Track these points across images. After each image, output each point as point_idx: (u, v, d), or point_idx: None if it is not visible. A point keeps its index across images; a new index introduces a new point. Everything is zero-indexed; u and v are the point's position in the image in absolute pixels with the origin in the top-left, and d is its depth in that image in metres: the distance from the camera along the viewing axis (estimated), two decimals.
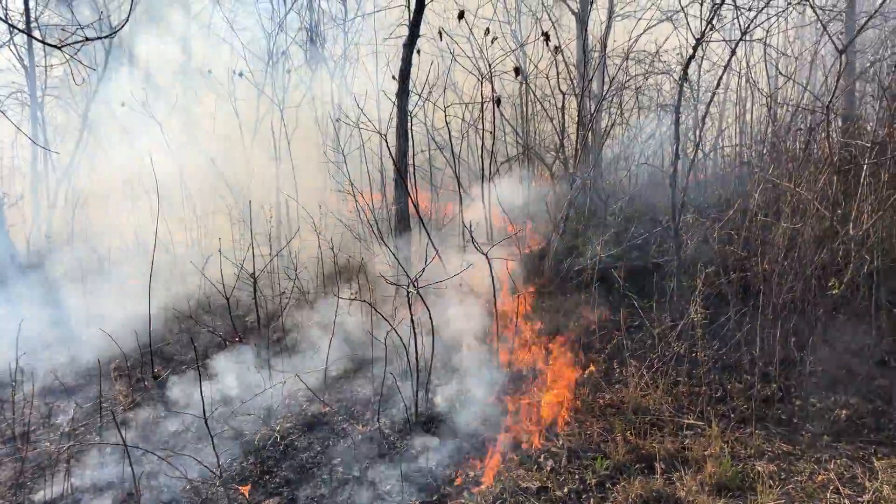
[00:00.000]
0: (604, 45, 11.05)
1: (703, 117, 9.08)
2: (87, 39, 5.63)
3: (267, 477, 6.90)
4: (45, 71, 16.46)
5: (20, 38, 15.86)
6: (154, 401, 8.33)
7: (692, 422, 7.26)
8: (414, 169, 11.61)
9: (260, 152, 13.88)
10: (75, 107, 16.81)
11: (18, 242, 14.51)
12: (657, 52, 11.62)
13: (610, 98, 10.66)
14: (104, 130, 15.95)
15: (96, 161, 15.59)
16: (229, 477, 6.82)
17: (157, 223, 9.29)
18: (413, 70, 11.11)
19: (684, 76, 8.89)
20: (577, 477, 6.47)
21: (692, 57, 8.88)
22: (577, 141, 10.05)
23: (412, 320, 7.45)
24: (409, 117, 11.00)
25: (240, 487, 6.63)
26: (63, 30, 14.00)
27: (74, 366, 9.11)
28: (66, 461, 6.91)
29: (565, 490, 6.29)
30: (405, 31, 10.75)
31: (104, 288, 11.14)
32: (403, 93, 10.79)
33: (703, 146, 10.28)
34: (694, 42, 8.73)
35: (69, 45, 5.74)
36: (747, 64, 10.68)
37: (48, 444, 7.49)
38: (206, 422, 6.27)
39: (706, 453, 6.61)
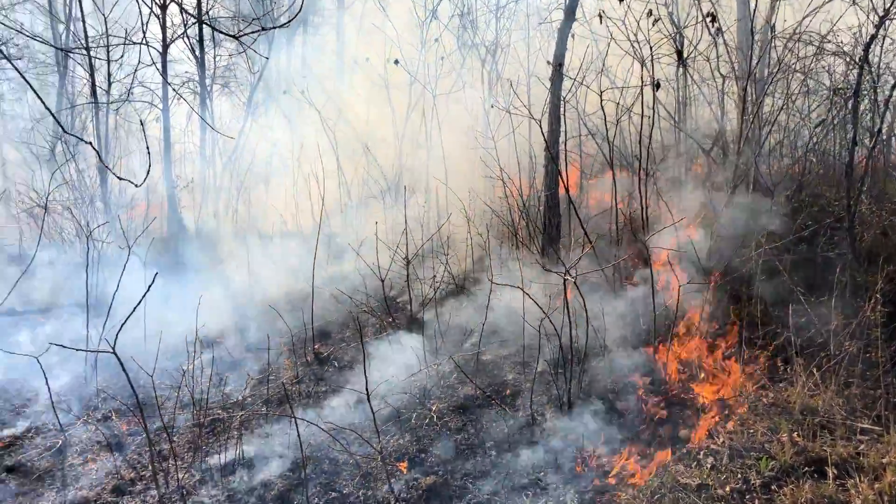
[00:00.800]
0: (770, 26, 10.46)
1: (887, 101, 8.42)
2: (264, 29, 5.91)
3: (423, 455, 7.08)
4: (214, 61, 17.49)
5: (192, 31, 16.93)
6: (316, 376, 8.73)
7: (868, 426, 6.80)
8: (566, 155, 11.50)
9: (412, 138, 14.19)
10: (240, 95, 17.79)
11: (189, 222, 15.55)
12: (830, 31, 10.88)
13: (775, 81, 10.09)
14: (266, 118, 16.81)
15: (259, 146, 16.45)
16: (387, 453, 7.04)
17: (322, 205, 9.68)
18: (567, 55, 10.99)
19: (865, 58, 8.27)
20: (739, 476, 6.23)
21: (874, 36, 8.24)
22: (739, 126, 9.59)
23: (567, 308, 7.40)
24: (562, 102, 10.89)
25: (398, 464, 6.84)
26: (233, 20, 14.84)
27: (243, 339, 9.69)
28: (238, 429, 7.37)
29: (727, 489, 6.07)
30: (559, 16, 10.63)
31: (268, 266, 11.77)
32: (557, 77, 10.69)
33: (882, 133, 9.54)
34: (877, 20, 8.11)
35: (246, 34, 6.07)
36: None
37: (221, 411, 8.01)
38: (368, 398, 6.49)
39: (885, 461, 6.18)
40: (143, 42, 8.14)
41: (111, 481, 6.99)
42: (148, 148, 5.60)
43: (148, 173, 5.27)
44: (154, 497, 6.67)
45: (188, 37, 17.21)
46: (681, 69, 12.46)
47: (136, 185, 5.08)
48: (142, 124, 5.33)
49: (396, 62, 13.19)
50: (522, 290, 7.88)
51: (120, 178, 4.99)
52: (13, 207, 14.03)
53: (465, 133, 14.27)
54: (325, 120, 13.63)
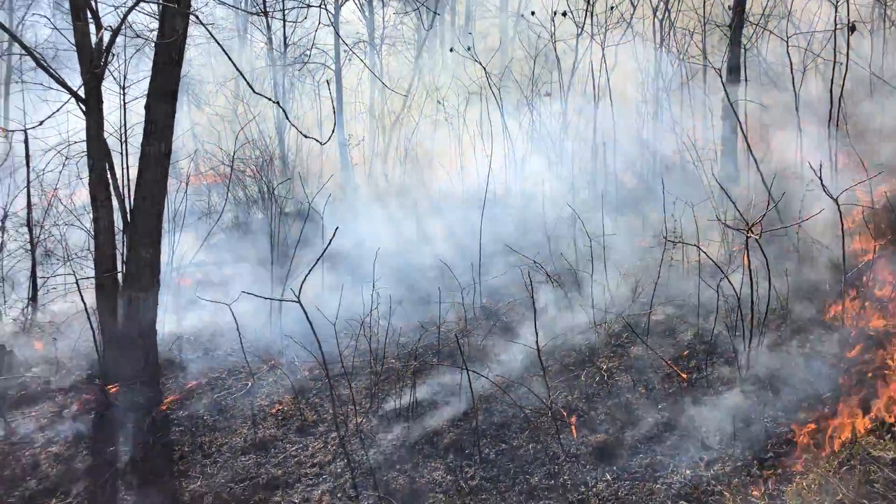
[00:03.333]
0: None
1: None
2: None
3: (592, 413, 7.04)
4: (383, 21, 17.89)
5: None
6: (484, 330, 8.86)
7: None
8: (745, 106, 10.83)
9: (578, 91, 13.87)
10: (407, 54, 18.12)
11: (360, 179, 16.17)
12: None
13: None
14: (432, 75, 17.03)
15: (425, 105, 16.71)
16: (557, 409, 7.05)
17: (490, 163, 9.69)
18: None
19: None
20: None
21: None
22: None
23: (749, 267, 7.01)
24: (741, 49, 10.24)
25: (569, 420, 6.84)
26: None
27: (414, 293, 9.96)
28: (412, 378, 7.63)
29: None
30: None
31: (436, 222, 12.01)
32: (738, 24, 10.05)
33: None
34: None
35: None
36: None
37: (394, 361, 8.32)
38: (538, 353, 6.51)
39: None
40: (321, 5, 8.47)
41: (296, 422, 7.47)
42: (333, 105, 5.84)
43: (333, 131, 5.49)
44: (335, 439, 7.07)
45: None
46: (877, 9, 11.33)
47: (322, 143, 5.31)
48: (327, 84, 5.54)
49: (564, 14, 12.86)
50: (699, 247, 7.56)
51: (305, 136, 5.23)
52: (202, 166, 15.09)
53: (636, 86, 13.78)
54: (490, 76, 13.56)
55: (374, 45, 17.02)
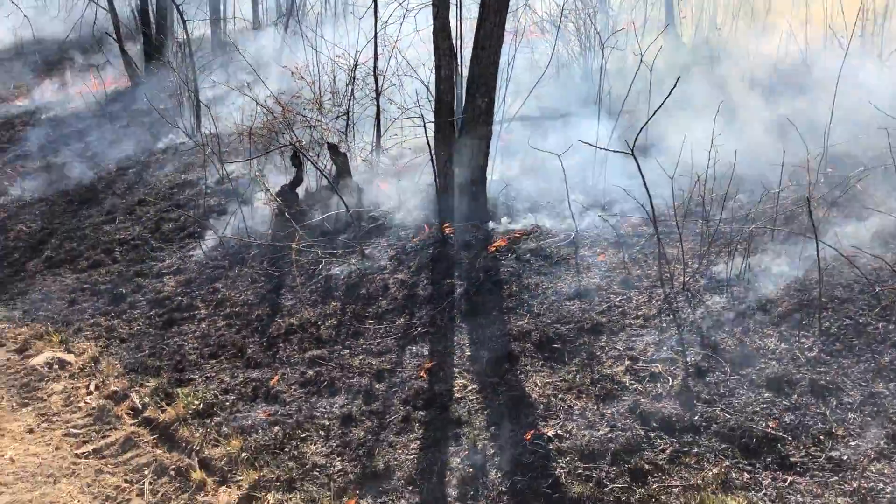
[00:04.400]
0: None
1: None
2: None
3: None
4: None
5: None
6: (828, 199, 8.05)
7: None
8: None
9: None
10: None
11: (685, 33, 15.06)
12: None
13: None
14: None
15: None
16: None
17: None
18: None
19: None
20: None
21: None
22: None
23: None
24: None
25: None
26: None
27: (753, 153, 9.21)
28: (747, 241, 7.23)
29: None
30: None
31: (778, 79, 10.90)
32: None
33: None
34: None
35: None
36: None
37: (725, 226, 7.91)
38: None
39: None
40: None
41: (619, 275, 7.53)
42: None
43: None
44: (660, 294, 7.02)
45: None
46: None
47: None
48: None
49: None
50: None
51: None
52: (530, 19, 15.05)
53: None
54: None
55: None
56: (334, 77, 11.60)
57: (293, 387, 6.87)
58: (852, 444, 4.95)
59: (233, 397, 6.92)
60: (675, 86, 6.50)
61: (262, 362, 7.40)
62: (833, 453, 4.90)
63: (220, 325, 8.22)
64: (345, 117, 11.18)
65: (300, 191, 10.46)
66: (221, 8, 22.57)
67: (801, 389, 5.51)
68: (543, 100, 12.57)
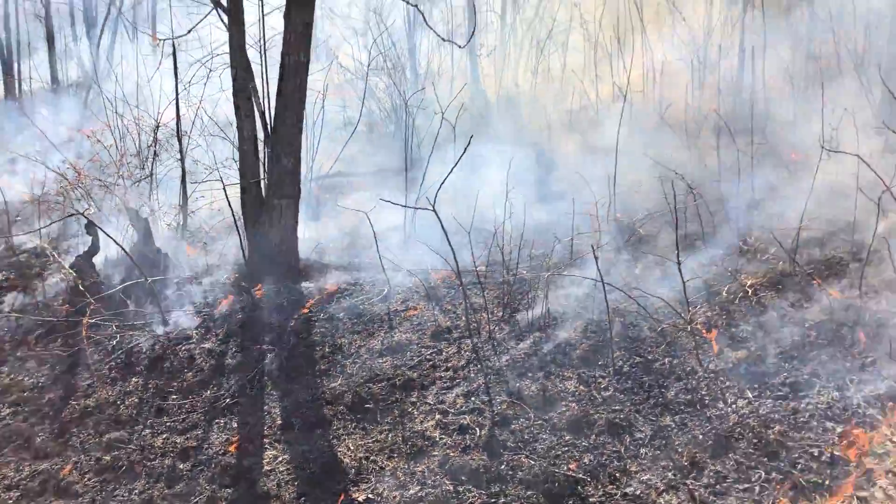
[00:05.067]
0: None
1: None
2: None
3: (733, 329, 6.79)
4: None
5: None
6: (620, 244, 8.65)
7: None
8: None
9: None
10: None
11: (492, 89, 15.89)
12: None
13: None
14: None
15: (558, 13, 16.05)
16: (696, 324, 6.84)
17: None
18: None
19: None
20: None
21: None
22: None
23: None
24: None
25: (708, 335, 6.63)
26: None
27: (551, 204, 9.79)
28: (545, 289, 7.58)
29: None
30: None
31: (569, 133, 11.69)
32: None
33: None
34: None
35: None
36: None
37: (526, 272, 8.27)
38: (678, 267, 6.30)
39: None
40: None
41: (430, 328, 7.63)
42: (474, 8, 5.66)
43: (472, 34, 5.34)
44: (468, 345, 7.17)
45: None
46: None
47: (461, 47, 5.19)
48: None
49: None
50: (859, 156, 6.97)
51: (444, 39, 5.12)
52: (335, 77, 15.26)
53: None
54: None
55: None
56: (139, 138, 11.12)
57: (87, 476, 6.33)
58: (644, 478, 5.24)
59: (17, 494, 6.26)
60: (469, 144, 6.78)
61: (53, 451, 6.77)
62: (627, 489, 5.16)
63: (4, 414, 7.48)
64: (147, 180, 10.70)
65: (98, 260, 9.81)
66: (16, 67, 21.14)
67: (599, 429, 5.79)
68: (357, 156, 12.71)
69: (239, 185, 9.04)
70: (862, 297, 6.79)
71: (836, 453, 5.12)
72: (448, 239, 6.83)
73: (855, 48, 10.20)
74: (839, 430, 5.36)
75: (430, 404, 6.45)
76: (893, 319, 6.35)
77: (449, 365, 6.94)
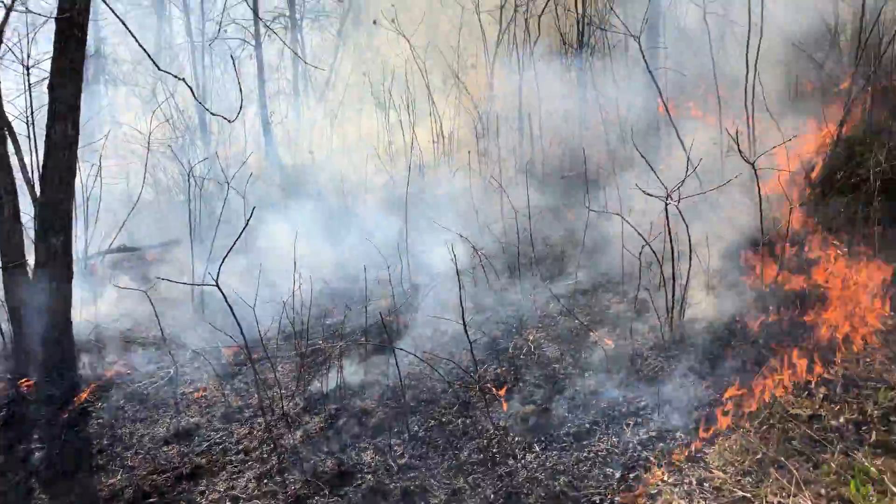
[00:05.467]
0: None
1: None
2: None
3: (521, 385, 7.04)
4: None
5: None
6: (413, 306, 8.78)
7: None
8: (665, 73, 10.91)
9: (504, 65, 13.78)
10: (330, 28, 17.72)
11: (285, 157, 15.80)
12: None
13: None
14: (356, 49, 16.69)
15: (351, 78, 16.39)
16: (485, 382, 7.04)
17: (411, 133, 9.56)
18: None
19: None
20: (855, 407, 5.90)
21: None
22: (859, 33, 8.81)
23: (669, 234, 7.09)
24: (661, 17, 10.30)
25: (497, 393, 6.83)
26: None
27: (343, 272, 9.80)
28: (339, 359, 7.50)
29: (841, 420, 5.78)
30: None
31: (363, 198, 11.83)
32: None
33: None
34: None
35: None
36: None
37: (321, 342, 8.18)
38: (465, 328, 6.47)
39: None
40: None
41: (220, 409, 7.28)
42: (240, 84, 5.62)
43: (241, 108, 5.27)
44: (261, 424, 6.90)
45: None
46: None
47: (230, 121, 5.09)
48: (232, 59, 5.31)
49: None
50: (621, 216, 7.60)
51: (213, 114, 5.02)
52: (119, 148, 14.55)
53: (558, 55, 13.74)
54: (415, 49, 13.37)
55: (294, 19, 16.57)
56: None
57: None
58: None
59: None
60: (251, 216, 6.63)
61: None
62: None
63: None
64: None
65: None
66: None
67: (394, 499, 5.73)
68: (140, 229, 12.07)
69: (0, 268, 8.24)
70: (633, 343, 7.33)
71: (616, 499, 5.40)
72: (234, 314, 6.58)
73: (617, 117, 11.19)
74: (618, 474, 5.68)
75: (220, 492, 6.09)
76: (655, 361, 6.90)
77: (240, 447, 6.63)
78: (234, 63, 5.36)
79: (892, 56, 9.35)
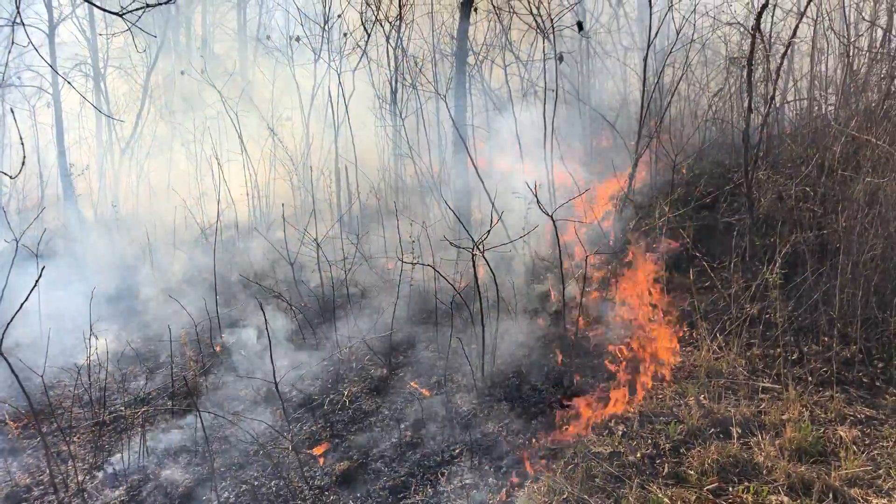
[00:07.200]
0: None
1: (778, 69, 8.66)
2: (148, 6, 5.59)
3: (337, 440, 6.95)
4: (107, 42, 16.67)
5: (82, 10, 16.06)
6: (223, 366, 8.46)
7: (768, 385, 7.03)
8: (473, 130, 11.44)
9: (318, 117, 13.86)
10: (136, 77, 17.03)
11: (86, 210, 14.84)
12: (724, 1, 11.19)
13: (675, 52, 10.26)
14: (164, 99, 16.12)
15: (158, 129, 15.79)
16: (300, 441, 6.88)
17: (221, 189, 9.33)
18: (470, 29, 10.89)
19: (757, 26, 8.48)
20: (650, 441, 6.34)
21: (765, 5, 8.46)
22: (641, 97, 9.72)
23: (476, 284, 7.36)
24: (467, 77, 10.81)
25: (312, 450, 6.69)
26: None
27: (145, 332, 9.31)
28: (142, 425, 7.07)
29: (638, 455, 6.17)
30: None
31: (171, 255, 11.32)
32: (461, 52, 10.59)
33: (775, 100, 9.80)
34: None
35: (130, 12, 5.71)
36: (824, 10, 10.11)
37: (123, 408, 7.67)
38: (276, 386, 6.32)
39: (784, 417, 6.40)
40: (21, 23, 7.51)
41: (4, 489, 6.59)
42: (21, 137, 5.24)
43: (23, 164, 4.91)
44: (53, 502, 6.32)
45: (77, 17, 16.33)
46: (583, 42, 12.54)
47: (11, 178, 4.70)
48: (12, 112, 4.94)
49: (298, 39, 12.80)
50: (434, 267, 7.80)
51: None
52: None
53: (373, 111, 14.03)
54: (227, 100, 13.14)
55: (97, 68, 15.76)
56: None
57: None
58: None
59: None
60: (41, 275, 6.15)
61: None
62: None
63: None
64: None
65: None
66: None
67: None
68: None
69: None
70: (447, 393, 7.47)
71: None
72: (20, 382, 6.03)
73: (430, 171, 11.54)
74: None
75: None
76: (469, 408, 7.07)
77: None
78: (12, 113, 4.99)
79: (670, 115, 10.39)
